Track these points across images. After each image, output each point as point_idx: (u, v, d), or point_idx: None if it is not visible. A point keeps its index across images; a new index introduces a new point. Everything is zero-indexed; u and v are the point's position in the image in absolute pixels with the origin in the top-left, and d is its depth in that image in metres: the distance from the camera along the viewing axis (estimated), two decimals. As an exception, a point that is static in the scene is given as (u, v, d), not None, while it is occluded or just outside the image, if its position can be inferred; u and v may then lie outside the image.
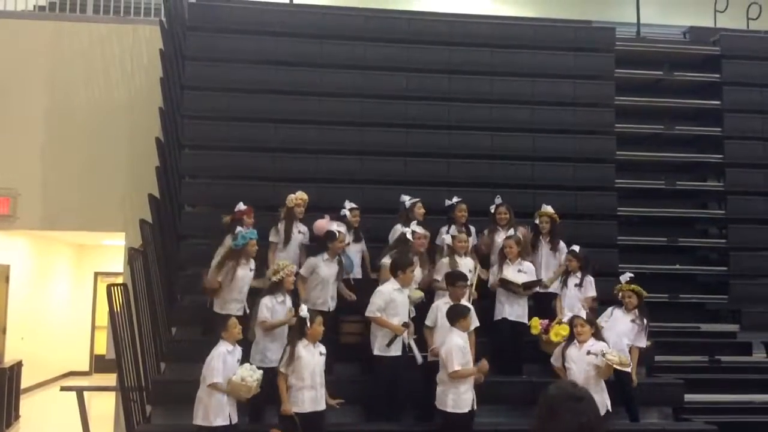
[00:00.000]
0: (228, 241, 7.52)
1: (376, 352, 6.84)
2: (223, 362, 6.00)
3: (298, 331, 6.30)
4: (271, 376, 6.31)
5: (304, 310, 6.34)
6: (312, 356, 6.24)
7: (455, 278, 7.04)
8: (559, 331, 7.07)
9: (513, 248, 7.69)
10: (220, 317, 6.70)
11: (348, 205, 8.19)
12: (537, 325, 7.37)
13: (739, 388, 8.86)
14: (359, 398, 6.97)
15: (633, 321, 7.32)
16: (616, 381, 6.95)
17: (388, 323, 6.80)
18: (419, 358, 6.98)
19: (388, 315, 6.84)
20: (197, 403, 6.03)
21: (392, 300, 6.83)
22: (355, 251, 8.07)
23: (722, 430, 7.40)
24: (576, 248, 7.90)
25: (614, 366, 6.48)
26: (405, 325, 6.82)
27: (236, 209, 7.85)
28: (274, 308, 6.80)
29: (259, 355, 6.73)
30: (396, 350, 6.84)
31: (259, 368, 6.26)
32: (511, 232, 7.97)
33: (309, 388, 6.20)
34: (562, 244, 8.13)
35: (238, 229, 7.36)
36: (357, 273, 7.97)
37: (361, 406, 7.07)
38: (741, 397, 8.70)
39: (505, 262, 7.68)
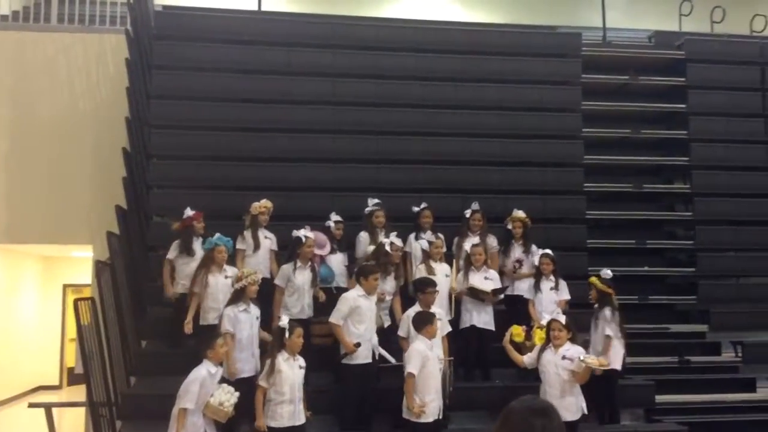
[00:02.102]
0: (173, 248, 7.62)
1: (343, 360, 6.82)
2: (201, 386, 5.87)
3: (278, 342, 6.23)
4: (245, 388, 6.23)
5: (284, 321, 6.28)
6: (292, 369, 6.17)
7: (425, 285, 7.05)
8: (542, 336, 7.09)
9: (480, 255, 7.72)
10: (201, 329, 6.64)
11: (333, 217, 8.20)
12: (520, 332, 7.36)
13: (709, 388, 8.95)
14: (330, 408, 6.93)
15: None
16: (600, 381, 6.95)
17: (344, 339, 6.77)
18: (393, 360, 6.99)
19: (354, 322, 6.81)
20: (171, 420, 5.92)
21: (357, 306, 6.82)
22: (337, 261, 8.05)
23: (693, 430, 7.49)
24: (549, 251, 7.97)
25: (593, 368, 6.50)
26: (357, 345, 6.73)
27: (185, 215, 7.80)
28: (236, 317, 6.71)
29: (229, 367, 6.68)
30: (364, 358, 6.82)
31: (228, 382, 6.20)
32: (477, 240, 7.99)
33: (288, 403, 6.14)
34: (534, 248, 8.19)
35: (218, 235, 7.37)
36: (342, 282, 7.93)
37: (333, 417, 7.02)
38: (711, 397, 8.79)
39: (471, 270, 7.71)
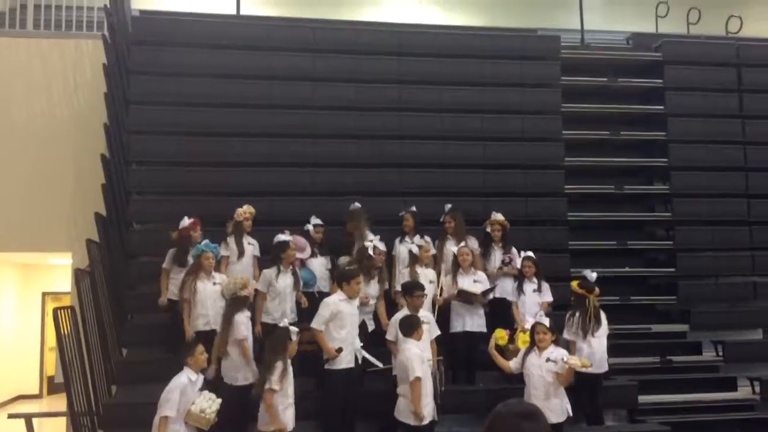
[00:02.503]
0: (168, 257, 7.64)
1: (327, 366, 6.79)
2: (181, 394, 5.84)
3: (283, 346, 6.23)
4: (239, 395, 6.31)
5: (286, 322, 6.36)
6: (291, 373, 6.25)
7: (413, 288, 7.05)
8: (525, 339, 7.11)
9: (468, 256, 7.72)
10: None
11: (313, 221, 8.19)
12: (504, 335, 7.37)
13: (691, 388, 9.01)
14: (312, 414, 6.89)
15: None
16: (584, 383, 6.97)
17: (325, 344, 6.75)
18: (380, 364, 6.98)
19: (335, 327, 6.79)
20: (153, 429, 5.87)
21: (339, 311, 6.80)
22: (319, 265, 8.02)
23: (675, 429, 7.54)
24: (531, 254, 8.00)
25: (576, 369, 6.52)
26: (339, 350, 6.72)
27: (181, 225, 7.75)
28: (247, 324, 6.77)
29: (234, 373, 6.66)
30: (347, 363, 6.80)
31: (230, 386, 6.17)
32: (464, 243, 7.99)
33: (291, 406, 6.23)
34: (514, 251, 8.22)
35: (205, 241, 7.39)
36: (325, 287, 7.90)
37: (315, 422, 6.99)
38: (692, 397, 8.85)
39: (459, 272, 7.71)
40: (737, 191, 10.52)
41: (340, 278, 7.03)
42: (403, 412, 6.40)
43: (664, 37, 11.16)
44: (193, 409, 5.85)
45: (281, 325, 6.37)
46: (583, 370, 6.65)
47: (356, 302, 7.01)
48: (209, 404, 5.93)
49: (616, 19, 12.99)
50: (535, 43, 10.68)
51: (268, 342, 6.38)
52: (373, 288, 7.55)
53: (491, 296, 7.89)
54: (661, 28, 11.69)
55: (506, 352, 7.31)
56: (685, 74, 10.79)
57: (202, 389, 6.06)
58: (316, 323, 6.80)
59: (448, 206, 8.47)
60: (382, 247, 7.79)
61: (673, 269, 10.24)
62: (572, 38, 11.44)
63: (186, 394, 5.88)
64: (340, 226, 8.43)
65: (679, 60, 10.87)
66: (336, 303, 6.84)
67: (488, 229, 8.36)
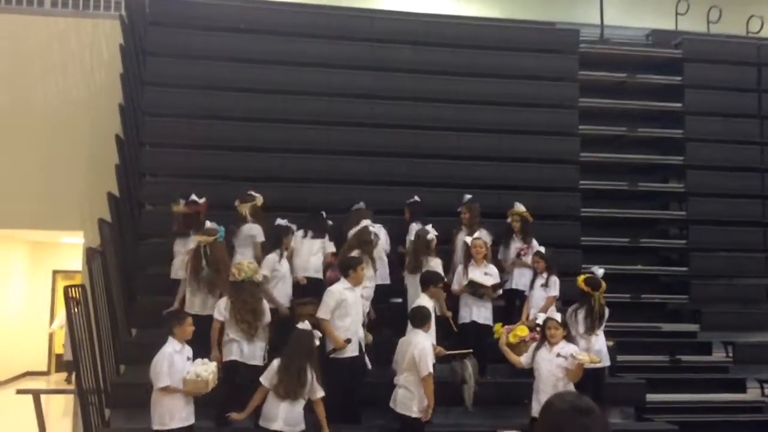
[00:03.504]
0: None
1: (332, 355, 6.75)
2: (169, 364, 5.81)
3: (308, 349, 6.25)
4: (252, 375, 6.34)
5: (308, 325, 6.40)
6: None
7: (436, 279, 7.08)
8: (516, 333, 7.07)
9: (481, 248, 7.68)
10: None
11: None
12: (498, 329, 7.33)
13: (700, 388, 8.97)
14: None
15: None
16: (589, 378, 6.93)
17: (333, 334, 6.70)
18: (369, 365, 6.98)
19: (340, 315, 6.74)
20: (152, 407, 5.86)
21: (344, 300, 6.75)
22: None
23: (683, 429, 7.49)
24: (542, 249, 7.96)
25: (585, 365, 6.48)
26: (347, 341, 6.70)
27: (193, 199, 7.82)
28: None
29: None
30: (352, 351, 6.77)
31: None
32: (478, 234, 7.93)
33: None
34: (534, 243, 8.17)
35: (213, 224, 7.40)
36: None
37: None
38: (701, 397, 8.80)
39: (471, 264, 7.66)
40: (753, 192, 10.44)
41: (345, 266, 6.97)
42: (405, 404, 6.29)
43: (684, 34, 11.06)
44: (188, 377, 5.83)
45: (302, 327, 6.28)
46: (591, 365, 6.61)
47: (359, 290, 6.97)
48: (204, 368, 5.91)
49: (636, 15, 12.87)
50: (554, 37, 10.60)
51: (295, 345, 6.20)
52: (368, 272, 7.44)
53: (500, 291, 7.86)
54: (681, 25, 11.57)
55: (516, 347, 7.28)
56: (705, 72, 10.70)
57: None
58: (322, 312, 6.73)
59: (468, 197, 8.45)
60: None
61: (685, 268, 10.17)
62: (591, 33, 11.34)
63: (174, 363, 5.83)
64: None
65: (699, 58, 10.77)
66: (341, 291, 6.79)
67: (509, 220, 8.34)
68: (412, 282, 7.55)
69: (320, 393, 6.12)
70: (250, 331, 6.58)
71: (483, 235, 8.08)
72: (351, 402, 6.86)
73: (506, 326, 7.33)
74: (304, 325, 6.28)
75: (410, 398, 6.27)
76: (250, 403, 6.12)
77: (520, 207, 8.38)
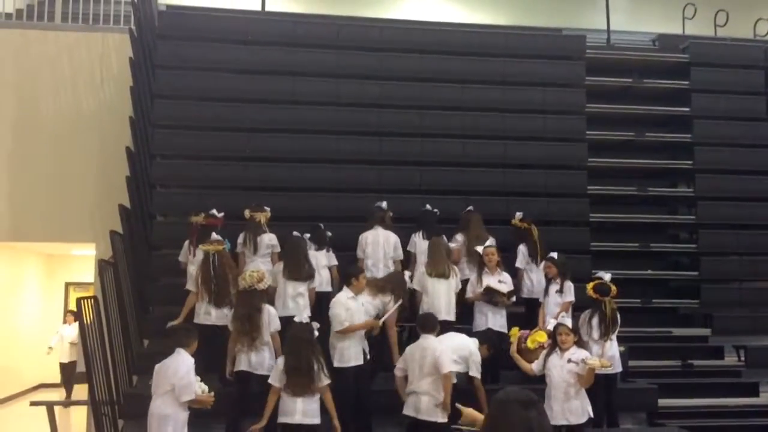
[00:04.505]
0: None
1: (336, 364, 6.76)
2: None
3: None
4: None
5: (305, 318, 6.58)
6: None
7: None
8: (535, 338, 7.08)
9: (493, 255, 7.69)
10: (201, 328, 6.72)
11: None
12: (516, 333, 7.34)
13: (711, 392, 8.91)
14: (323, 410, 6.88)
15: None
16: (601, 384, 6.92)
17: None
18: (368, 356, 7.05)
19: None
20: (165, 420, 5.84)
21: (348, 309, 6.82)
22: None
23: (695, 434, 7.47)
24: (554, 255, 7.94)
25: (596, 370, 6.47)
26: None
27: (213, 213, 7.90)
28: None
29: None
30: (356, 360, 6.81)
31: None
32: (490, 242, 7.93)
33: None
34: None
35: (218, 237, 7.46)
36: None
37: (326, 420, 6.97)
38: (713, 401, 8.74)
39: (484, 272, 7.68)
40: (763, 195, 10.39)
41: (349, 275, 7.06)
42: (430, 410, 6.28)
43: (691, 38, 11.06)
44: (200, 392, 5.87)
45: (298, 320, 6.41)
46: (602, 371, 6.60)
47: (361, 299, 7.01)
48: (202, 385, 5.96)
49: (642, 20, 12.91)
50: (560, 43, 10.63)
51: (295, 341, 6.28)
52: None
53: (514, 298, 7.87)
54: (688, 29, 11.59)
55: (527, 353, 7.28)
56: (712, 76, 10.69)
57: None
58: (339, 323, 6.77)
59: (470, 209, 8.51)
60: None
61: (696, 272, 10.13)
62: (598, 38, 11.37)
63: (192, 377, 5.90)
64: (360, 222, 8.43)
65: (706, 62, 10.76)
66: (345, 300, 6.87)
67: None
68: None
69: (326, 381, 6.17)
70: (249, 341, 6.61)
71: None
72: (360, 409, 6.87)
73: (522, 331, 7.35)
74: (301, 318, 6.43)
75: (436, 403, 6.29)
76: (266, 409, 6.18)
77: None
